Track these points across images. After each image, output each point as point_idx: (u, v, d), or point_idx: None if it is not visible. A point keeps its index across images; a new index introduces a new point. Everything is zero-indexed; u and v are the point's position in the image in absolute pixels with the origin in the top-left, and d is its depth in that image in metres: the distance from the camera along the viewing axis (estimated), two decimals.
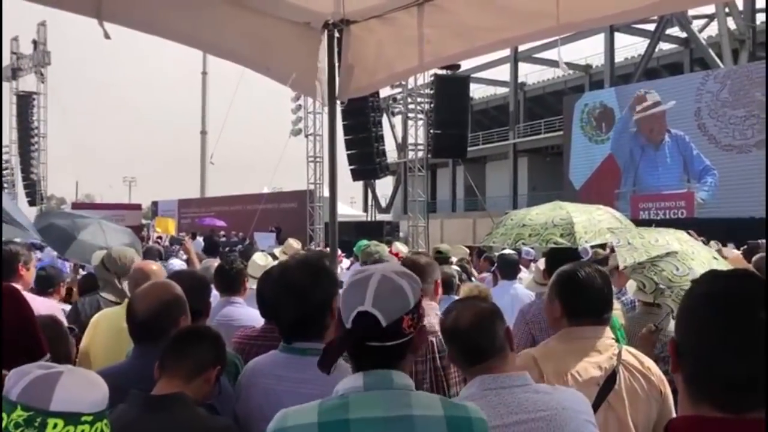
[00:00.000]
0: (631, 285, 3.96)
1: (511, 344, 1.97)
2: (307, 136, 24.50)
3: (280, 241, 17.79)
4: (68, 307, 4.02)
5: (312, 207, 24.26)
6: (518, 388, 1.85)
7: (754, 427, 1.11)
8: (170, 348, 1.99)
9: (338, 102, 3.88)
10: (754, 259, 5.72)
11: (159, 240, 22.57)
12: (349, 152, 20.79)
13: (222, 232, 25.75)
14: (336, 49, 3.70)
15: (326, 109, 3.89)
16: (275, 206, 29.36)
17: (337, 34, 3.68)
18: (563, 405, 1.83)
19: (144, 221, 33.10)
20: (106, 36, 2.38)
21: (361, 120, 20.13)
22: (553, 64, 34.53)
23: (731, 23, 28.14)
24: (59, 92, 38.16)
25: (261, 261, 4.41)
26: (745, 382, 1.11)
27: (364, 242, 5.30)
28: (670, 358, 1.25)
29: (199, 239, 23.09)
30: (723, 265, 3.53)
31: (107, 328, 2.96)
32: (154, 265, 3.12)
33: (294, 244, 8.04)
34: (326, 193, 22.18)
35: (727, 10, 27.44)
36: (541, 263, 4.77)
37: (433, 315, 2.76)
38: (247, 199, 31.80)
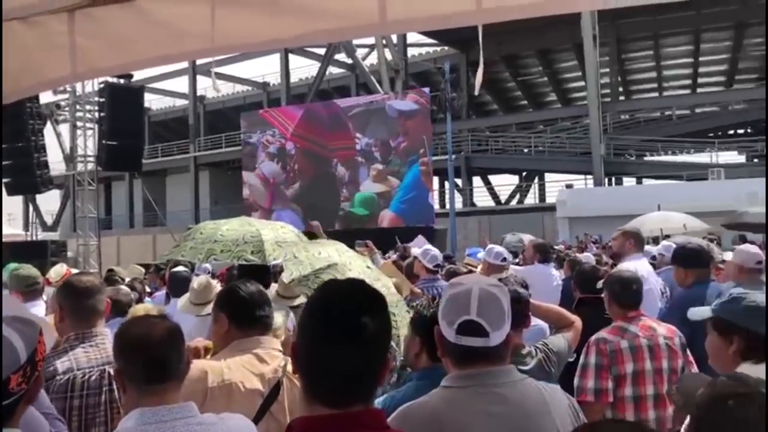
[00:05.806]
0: (301, 300, 4.21)
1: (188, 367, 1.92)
2: None
3: None
4: None
5: None
6: (180, 420, 1.75)
7: (355, 420, 1.27)
8: None
9: None
10: (404, 263, 6.55)
11: None
12: (3, 163, 18.24)
13: None
14: None
15: None
16: None
17: None
18: None
19: None
20: None
21: (17, 127, 17.76)
22: (230, 78, 34.92)
23: (389, 54, 31.79)
24: None
25: None
26: (342, 379, 1.28)
27: (14, 265, 4.65)
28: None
29: None
30: (374, 273, 3.98)
31: None
32: None
33: None
34: None
35: (384, 42, 30.93)
36: (197, 283, 4.80)
37: (108, 341, 2.60)
38: None
